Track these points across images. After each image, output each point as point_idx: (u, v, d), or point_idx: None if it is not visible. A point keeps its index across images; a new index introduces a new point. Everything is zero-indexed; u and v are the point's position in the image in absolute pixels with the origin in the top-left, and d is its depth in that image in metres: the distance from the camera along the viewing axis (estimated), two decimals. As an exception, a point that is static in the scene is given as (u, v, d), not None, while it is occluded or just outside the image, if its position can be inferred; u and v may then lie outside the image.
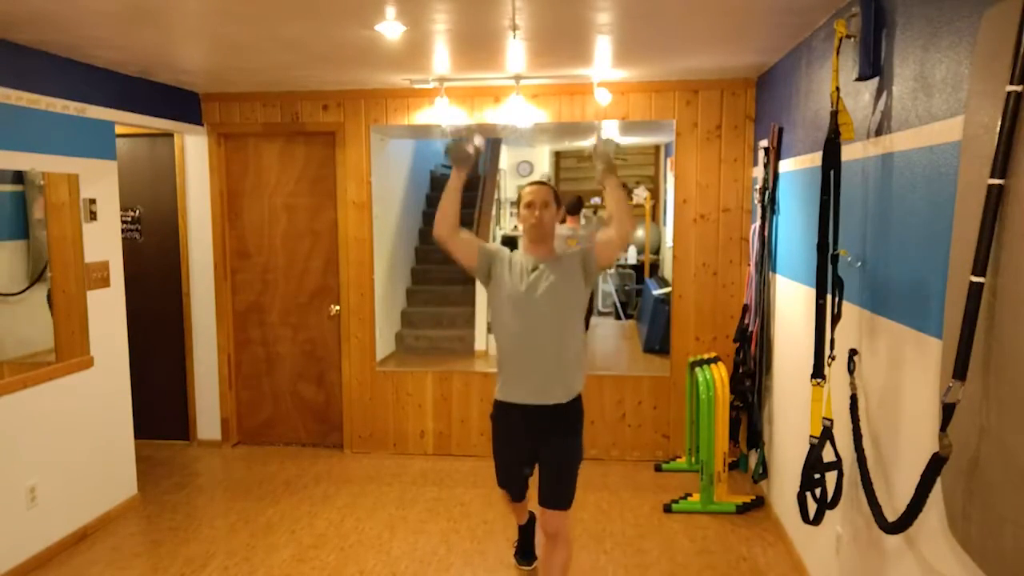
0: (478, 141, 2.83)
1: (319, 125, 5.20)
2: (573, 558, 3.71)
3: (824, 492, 2.78)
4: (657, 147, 9.34)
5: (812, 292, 3.01)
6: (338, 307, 5.33)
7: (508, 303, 2.92)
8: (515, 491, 3.24)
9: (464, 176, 2.94)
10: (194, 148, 5.30)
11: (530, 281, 2.90)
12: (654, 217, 9.21)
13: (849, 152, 2.84)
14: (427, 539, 4.00)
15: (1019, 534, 1.63)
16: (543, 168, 9.73)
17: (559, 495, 2.97)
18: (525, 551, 3.66)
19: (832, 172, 2.78)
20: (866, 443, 2.63)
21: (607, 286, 9.09)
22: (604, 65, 4.32)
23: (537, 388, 2.93)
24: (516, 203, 2.95)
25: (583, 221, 5.76)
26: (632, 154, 9.81)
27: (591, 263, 2.93)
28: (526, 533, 3.66)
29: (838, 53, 2.77)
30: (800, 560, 3.60)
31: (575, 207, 5.80)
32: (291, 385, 5.51)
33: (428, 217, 7.56)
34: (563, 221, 5.73)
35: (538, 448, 3.01)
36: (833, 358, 2.81)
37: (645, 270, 9.03)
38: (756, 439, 4.35)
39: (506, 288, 2.93)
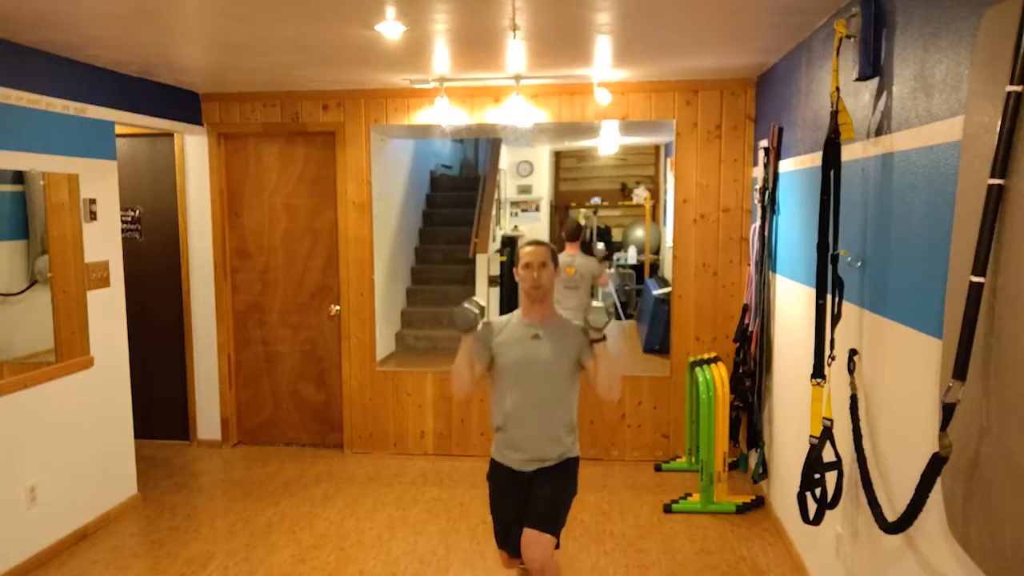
0: (476, 308, 2.86)
1: (319, 125, 5.20)
2: (574, 558, 3.72)
3: (824, 492, 2.78)
4: (657, 147, 9.33)
5: (812, 292, 3.01)
6: (338, 307, 5.33)
7: (507, 372, 2.91)
8: (514, 547, 2.97)
9: (472, 339, 2.89)
10: (194, 148, 5.30)
11: (529, 350, 2.89)
12: (654, 217, 9.21)
13: (849, 152, 2.84)
14: (427, 539, 4.00)
15: (1019, 534, 1.63)
16: (543, 168, 9.73)
17: (546, 516, 2.86)
18: None
19: (832, 172, 2.78)
20: (866, 443, 2.63)
21: (607, 287, 9.09)
22: (604, 65, 4.32)
23: (533, 455, 2.91)
24: (515, 260, 2.99)
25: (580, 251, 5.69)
26: (632, 154, 9.81)
27: (586, 355, 2.89)
28: None
29: (838, 53, 2.77)
30: (800, 560, 3.61)
31: (574, 233, 5.71)
32: (291, 385, 5.51)
33: (428, 217, 7.57)
34: (562, 249, 5.69)
35: (532, 490, 2.94)
36: (833, 358, 2.81)
37: (645, 270, 9.03)
38: (756, 439, 4.35)
39: (505, 359, 2.91)
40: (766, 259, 4.21)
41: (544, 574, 2.82)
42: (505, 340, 2.93)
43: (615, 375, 2.89)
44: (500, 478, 3.02)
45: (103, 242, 4.23)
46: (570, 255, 5.59)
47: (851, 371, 2.78)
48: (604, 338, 2.85)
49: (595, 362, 2.86)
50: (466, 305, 2.86)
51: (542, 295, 2.92)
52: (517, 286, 3.07)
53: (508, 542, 3.00)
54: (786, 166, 3.94)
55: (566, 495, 2.96)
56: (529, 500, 2.92)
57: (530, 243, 2.96)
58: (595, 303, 2.84)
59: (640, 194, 9.25)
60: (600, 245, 9.33)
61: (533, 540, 2.81)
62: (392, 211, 6.28)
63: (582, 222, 9.95)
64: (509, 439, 2.94)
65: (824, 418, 2.77)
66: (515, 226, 9.50)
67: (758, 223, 4.32)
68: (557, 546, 2.92)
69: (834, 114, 2.72)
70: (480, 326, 2.90)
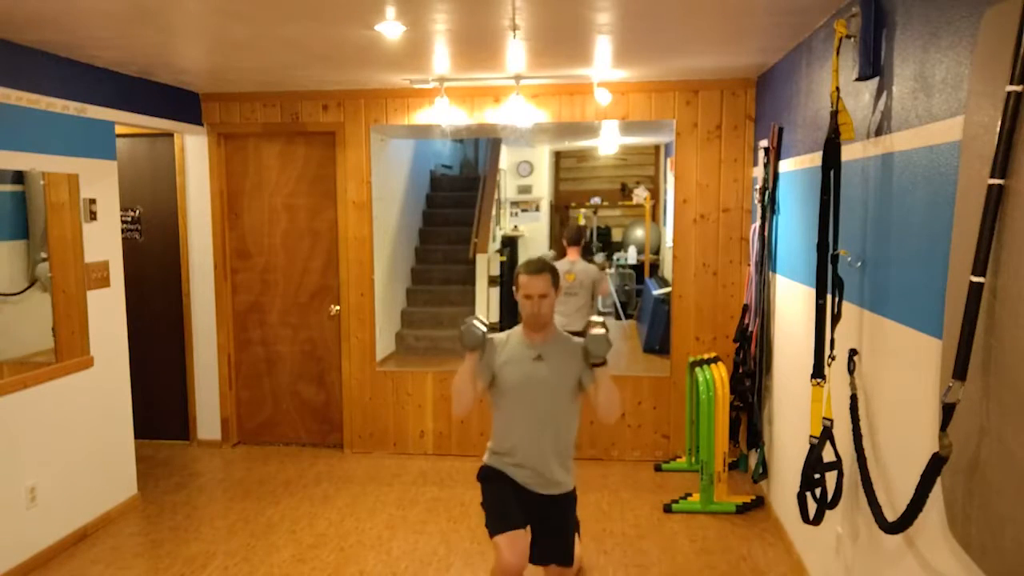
0: (483, 327, 2.85)
1: (319, 125, 5.20)
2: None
3: (824, 492, 2.78)
4: (657, 147, 9.34)
5: (812, 292, 3.01)
6: (338, 307, 5.33)
7: (508, 392, 2.91)
8: (514, 519, 2.88)
9: (477, 358, 2.87)
10: (194, 148, 5.30)
11: (531, 370, 2.88)
12: (654, 217, 9.21)
13: (849, 152, 2.84)
14: (427, 539, 4.00)
15: (1019, 534, 1.63)
16: (543, 168, 9.73)
17: (568, 551, 2.95)
18: None
19: (832, 172, 2.78)
20: (866, 443, 2.63)
21: (609, 294, 9.09)
22: (604, 65, 4.32)
23: (540, 476, 2.90)
24: (515, 284, 2.93)
25: (581, 257, 5.69)
26: (632, 154, 9.81)
27: (587, 378, 2.89)
28: None
29: (838, 53, 2.77)
30: (800, 560, 3.61)
31: (575, 238, 5.70)
32: (291, 385, 5.51)
33: (428, 217, 7.58)
34: (563, 254, 5.68)
35: (535, 516, 2.94)
36: (833, 358, 2.81)
37: (645, 270, 9.04)
38: (756, 439, 4.35)
39: (506, 379, 2.90)
40: (766, 259, 4.21)
41: None
42: (507, 360, 2.91)
43: (615, 398, 2.89)
44: (501, 481, 2.96)
45: (103, 242, 4.23)
46: (571, 261, 5.57)
47: (851, 371, 2.78)
48: (605, 363, 2.84)
49: (596, 386, 2.87)
50: (474, 323, 2.84)
51: (543, 324, 2.90)
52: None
53: (507, 520, 2.87)
54: (786, 166, 3.94)
55: (573, 525, 3.05)
56: (544, 535, 2.93)
57: (530, 270, 2.87)
58: (596, 331, 2.82)
59: (640, 194, 9.26)
60: (600, 257, 9.33)
61: (557, 573, 2.96)
62: (392, 211, 6.29)
63: (582, 222, 9.97)
64: (514, 460, 2.92)
65: (824, 418, 2.77)
66: (515, 226, 9.51)
67: (758, 223, 4.32)
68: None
69: (834, 114, 2.72)
70: (485, 345, 2.88)
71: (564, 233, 5.81)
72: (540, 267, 2.88)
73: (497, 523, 2.87)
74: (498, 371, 2.90)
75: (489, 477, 2.99)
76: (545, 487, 2.91)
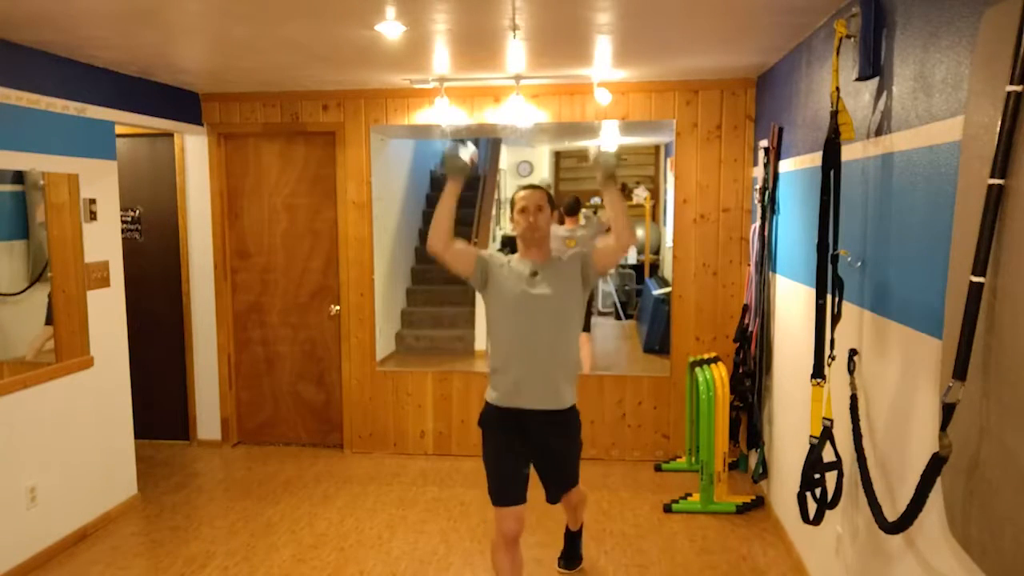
0: (472, 149, 2.84)
1: (319, 125, 5.20)
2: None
3: (824, 492, 2.78)
4: (657, 147, 9.33)
5: (812, 292, 3.01)
6: (338, 307, 5.33)
7: (506, 309, 2.92)
8: (516, 493, 2.96)
9: (460, 186, 2.90)
10: (194, 148, 5.30)
11: (528, 286, 2.90)
12: (654, 217, 9.21)
13: (849, 152, 2.84)
14: (427, 539, 4.00)
15: (1019, 534, 1.63)
16: (543, 168, 9.73)
17: (570, 478, 3.14)
18: None
19: (832, 172, 2.78)
20: (866, 443, 2.63)
21: (607, 286, 9.09)
22: (604, 65, 4.32)
23: (537, 393, 2.92)
24: (511, 207, 2.99)
25: (583, 221, 5.76)
26: (632, 154, 9.81)
27: (590, 268, 2.94)
28: None
29: (838, 53, 2.77)
30: (800, 560, 3.61)
31: (573, 208, 5.80)
32: (291, 385, 5.51)
33: (428, 217, 7.51)
34: (562, 222, 5.72)
35: (538, 454, 3.02)
36: (833, 358, 2.81)
37: (645, 270, 9.03)
38: (756, 439, 4.35)
39: (504, 294, 2.92)
40: (766, 259, 4.21)
41: (575, 499, 3.26)
42: (504, 274, 2.93)
43: (624, 217, 2.90)
44: (499, 422, 2.97)
45: (103, 242, 4.23)
46: (570, 228, 5.63)
47: (851, 371, 2.78)
48: (615, 178, 2.89)
49: (610, 205, 2.90)
50: (459, 148, 2.84)
51: (539, 238, 2.93)
52: None
53: (507, 489, 2.94)
54: (786, 166, 3.94)
55: (578, 449, 3.12)
56: (545, 461, 3.04)
57: (525, 187, 2.96)
58: (604, 149, 2.84)
59: (640, 194, 9.24)
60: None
61: (566, 499, 3.20)
62: (392, 211, 6.29)
63: (582, 222, 9.97)
64: (511, 380, 2.92)
65: (824, 418, 2.77)
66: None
67: (758, 223, 4.32)
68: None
69: (834, 114, 2.72)
70: (483, 256, 2.97)
71: (562, 204, 5.86)
72: (535, 185, 2.99)
73: (498, 494, 2.97)
74: (493, 279, 2.93)
75: (489, 422, 3.01)
76: (545, 401, 2.92)
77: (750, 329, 4.46)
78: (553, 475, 3.09)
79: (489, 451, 3.02)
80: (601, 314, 9.05)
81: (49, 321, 3.89)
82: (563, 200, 5.95)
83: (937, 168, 2.14)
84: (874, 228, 2.64)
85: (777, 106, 4.18)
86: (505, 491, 2.95)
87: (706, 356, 4.63)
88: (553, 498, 3.12)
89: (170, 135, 5.24)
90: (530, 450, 2.99)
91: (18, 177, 3.84)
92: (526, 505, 2.98)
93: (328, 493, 4.64)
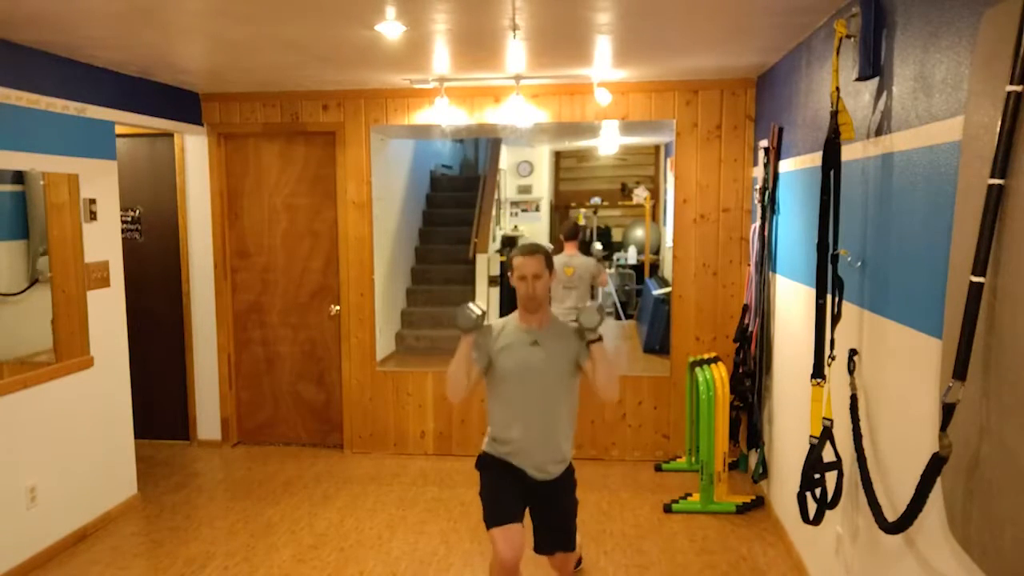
0: (480, 310, 2.89)
1: (319, 125, 5.20)
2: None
3: (824, 492, 2.78)
4: (657, 147, 9.34)
5: (812, 292, 3.01)
6: (338, 307, 5.33)
7: (506, 380, 2.92)
8: (512, 512, 2.90)
9: (472, 341, 2.89)
10: (194, 148, 5.30)
11: (528, 357, 2.90)
12: (654, 217, 9.21)
13: (849, 152, 2.84)
14: (427, 539, 4.00)
15: (1019, 534, 1.63)
16: (543, 168, 9.73)
17: (569, 537, 2.99)
18: None
19: (832, 172, 2.78)
20: (866, 443, 2.63)
21: (607, 287, 9.09)
22: (604, 65, 4.32)
23: (535, 461, 2.92)
24: (510, 266, 2.96)
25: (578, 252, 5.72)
26: (632, 154, 9.81)
27: (583, 357, 2.91)
28: None
29: (838, 53, 2.77)
30: (800, 560, 3.61)
31: (572, 232, 5.72)
32: (291, 385, 5.51)
33: (428, 217, 7.58)
34: (561, 249, 5.69)
35: (533, 502, 2.98)
36: (833, 358, 2.81)
37: (645, 270, 9.03)
38: (756, 439, 4.35)
39: (505, 368, 2.91)
40: (766, 259, 4.21)
41: (566, 567, 3.05)
42: (504, 346, 2.92)
43: (613, 375, 2.90)
44: (499, 468, 2.95)
45: (103, 242, 4.23)
46: (568, 255, 5.60)
47: (851, 371, 2.78)
48: (600, 338, 2.86)
49: (592, 363, 2.87)
50: (469, 306, 2.87)
51: (537, 305, 2.91)
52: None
53: (505, 514, 2.88)
54: (786, 166, 3.94)
55: (575, 508, 3.05)
56: (545, 522, 2.98)
57: (524, 252, 2.90)
58: (588, 303, 2.83)
59: (640, 194, 9.24)
60: (598, 245, 9.35)
61: (562, 562, 3.02)
62: (392, 211, 6.29)
63: (582, 222, 9.97)
64: (512, 448, 2.92)
65: (824, 418, 2.77)
66: (515, 226, 9.51)
67: (758, 223, 4.32)
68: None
69: (834, 114, 2.72)
70: (480, 328, 2.91)
71: (561, 228, 5.83)
72: (533, 248, 2.92)
73: (493, 516, 2.89)
74: (495, 357, 2.92)
75: (487, 465, 3.00)
76: (543, 472, 2.92)
77: (750, 329, 4.46)
78: (546, 528, 3.00)
79: (485, 483, 3.00)
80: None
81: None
82: (563, 226, 5.93)
83: (937, 168, 2.14)
84: (874, 228, 2.64)
85: (777, 106, 4.18)
86: (501, 511, 2.88)
87: (706, 356, 4.63)
88: (541, 548, 3.00)
89: (170, 135, 5.24)
90: (526, 497, 2.96)
91: (18, 177, 3.84)
92: (523, 530, 2.89)
93: (328, 493, 4.64)
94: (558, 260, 5.29)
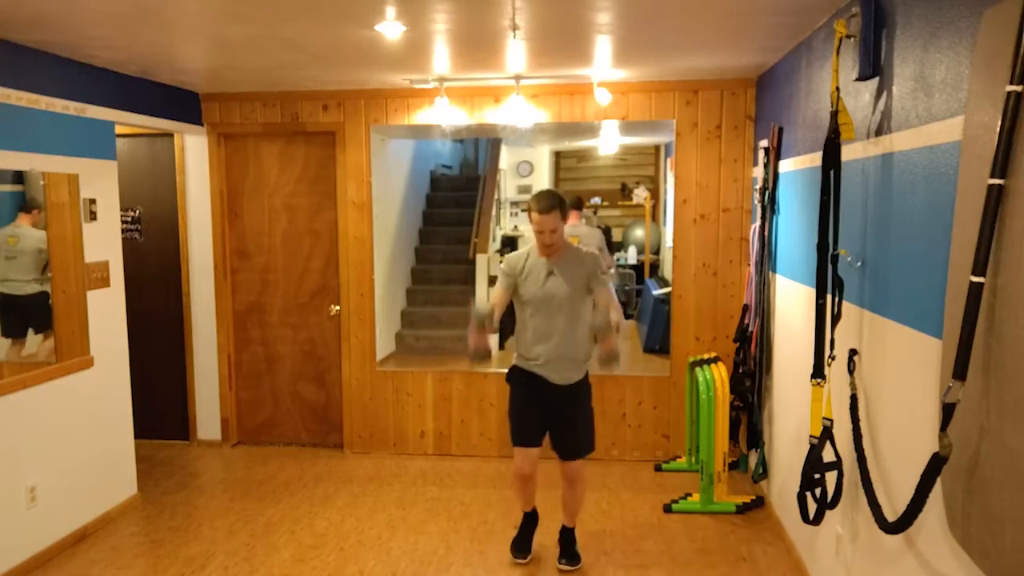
0: (488, 308, 3.52)
1: (319, 125, 5.20)
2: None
3: (824, 492, 2.78)
4: (657, 147, 9.33)
5: (812, 292, 3.01)
6: (338, 307, 5.33)
7: (530, 304, 3.51)
8: (531, 438, 3.55)
9: (482, 330, 3.44)
10: (194, 148, 5.30)
11: (547, 284, 3.48)
12: (654, 217, 9.21)
13: (849, 152, 2.84)
14: (427, 539, 4.00)
15: (1019, 534, 1.63)
16: (543, 168, 9.73)
17: (579, 444, 3.59)
18: (523, 544, 3.75)
19: (832, 172, 2.78)
20: (866, 443, 2.63)
21: (611, 270, 9.09)
22: (604, 65, 4.32)
23: (557, 370, 3.49)
24: (528, 216, 3.50)
25: (583, 220, 5.90)
26: (632, 154, 9.81)
27: (594, 282, 3.50)
28: (528, 526, 3.77)
29: (838, 53, 2.77)
30: (800, 560, 3.61)
31: (576, 204, 5.90)
32: (291, 385, 5.51)
33: (428, 217, 7.57)
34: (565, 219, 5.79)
35: (553, 414, 3.54)
36: (833, 358, 2.81)
37: (645, 270, 9.03)
38: (756, 439, 4.35)
39: (527, 295, 3.51)
40: (766, 259, 4.21)
41: (577, 479, 3.63)
42: (526, 277, 3.51)
43: (614, 307, 3.52)
44: (526, 380, 3.54)
45: (103, 242, 4.23)
46: (572, 225, 5.68)
47: (851, 371, 2.78)
48: (610, 328, 3.40)
49: (597, 300, 3.52)
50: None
51: (554, 251, 3.49)
52: None
53: (526, 433, 3.55)
54: (786, 166, 3.94)
55: (591, 414, 3.64)
56: (561, 426, 3.55)
57: (540, 209, 3.39)
58: (598, 319, 3.40)
59: (640, 194, 9.24)
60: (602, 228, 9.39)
61: (570, 465, 3.59)
62: (392, 211, 6.28)
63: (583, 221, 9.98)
64: (537, 361, 3.49)
65: (824, 418, 2.77)
66: (515, 226, 9.50)
67: (758, 223, 4.32)
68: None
69: (834, 114, 2.72)
70: (504, 266, 3.57)
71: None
72: (549, 205, 3.41)
73: (517, 438, 3.58)
74: (520, 285, 3.52)
75: (517, 381, 3.60)
76: (564, 378, 3.51)
77: (750, 329, 4.46)
78: (563, 434, 3.57)
79: (513, 405, 3.63)
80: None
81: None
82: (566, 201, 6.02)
83: (937, 168, 2.14)
84: (874, 228, 2.64)
85: (777, 106, 4.18)
86: (523, 435, 3.56)
87: (706, 356, 4.63)
88: (565, 450, 3.57)
89: (170, 135, 5.24)
90: (547, 407, 3.53)
91: (18, 177, 3.83)
92: (538, 450, 3.56)
93: (328, 493, 4.64)
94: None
